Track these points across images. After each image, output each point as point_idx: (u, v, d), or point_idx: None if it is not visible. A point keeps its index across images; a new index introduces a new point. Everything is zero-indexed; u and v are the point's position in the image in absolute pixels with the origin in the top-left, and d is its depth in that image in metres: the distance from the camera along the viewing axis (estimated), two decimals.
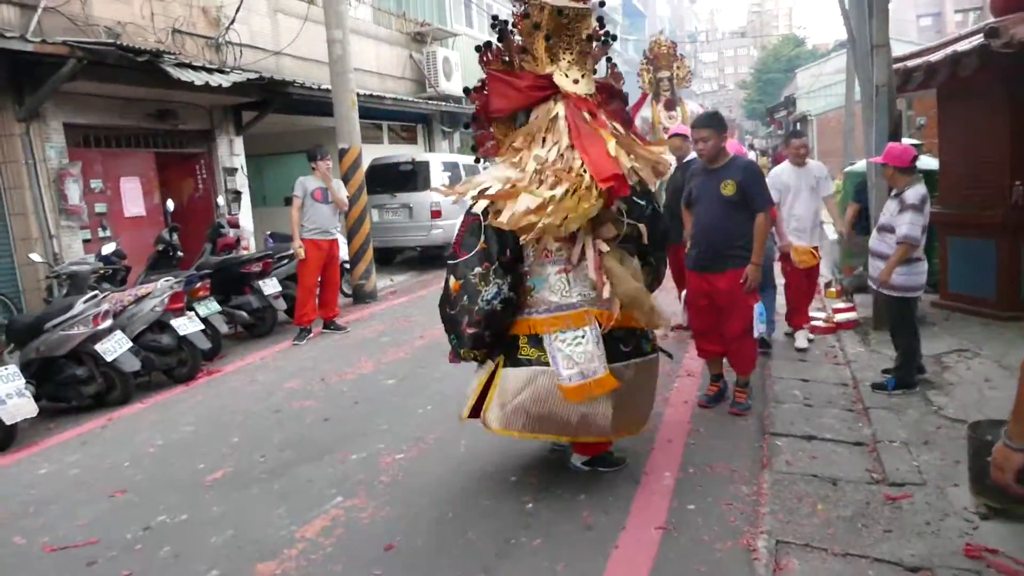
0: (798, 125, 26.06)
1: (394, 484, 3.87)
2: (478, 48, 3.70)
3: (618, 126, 3.65)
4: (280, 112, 10.11)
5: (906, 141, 6.76)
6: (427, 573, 2.99)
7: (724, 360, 4.76)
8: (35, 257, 6.60)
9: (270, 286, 7.62)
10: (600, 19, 3.64)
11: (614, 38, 3.76)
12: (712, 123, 4.49)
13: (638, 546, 3.06)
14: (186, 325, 6.20)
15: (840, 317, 6.58)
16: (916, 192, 4.48)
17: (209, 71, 7.92)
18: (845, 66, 16.78)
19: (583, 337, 3.40)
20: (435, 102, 14.60)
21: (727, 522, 3.22)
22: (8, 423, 4.78)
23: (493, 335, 3.53)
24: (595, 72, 3.73)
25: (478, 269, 3.48)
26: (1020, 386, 1.82)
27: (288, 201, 7.52)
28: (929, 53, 6.48)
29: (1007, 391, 4.47)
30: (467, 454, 4.20)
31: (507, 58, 3.67)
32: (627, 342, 3.55)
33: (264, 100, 9.71)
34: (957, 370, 4.98)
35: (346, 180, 8.86)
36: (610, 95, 3.77)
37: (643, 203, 3.69)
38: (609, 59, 3.81)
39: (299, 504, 3.69)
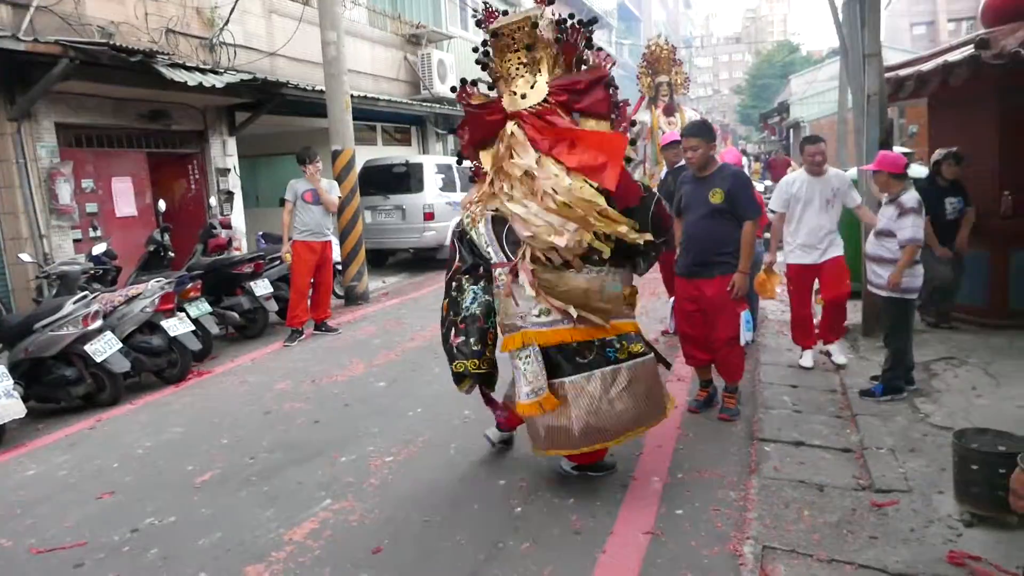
0: (791, 131, 26.09)
1: (383, 487, 3.88)
2: (475, 49, 3.82)
3: (593, 121, 3.60)
4: (274, 113, 10.08)
5: (897, 149, 6.81)
6: None
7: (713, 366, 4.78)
8: (25, 257, 6.56)
9: (262, 287, 7.60)
10: (565, 19, 3.58)
11: (583, 22, 3.59)
12: (701, 132, 4.56)
13: (626, 551, 3.08)
14: (176, 326, 6.18)
15: None
16: (912, 196, 4.57)
17: (203, 72, 7.89)
18: (838, 73, 16.86)
19: (528, 357, 3.48)
20: (429, 104, 14.59)
21: (714, 527, 3.24)
22: None
23: (479, 342, 3.67)
24: (585, 65, 3.65)
25: (454, 283, 3.85)
26: None
27: (283, 203, 7.52)
28: (921, 62, 6.52)
29: (994, 399, 4.53)
30: (457, 457, 4.22)
31: (491, 87, 3.84)
32: (584, 354, 3.50)
33: (258, 101, 9.69)
34: (945, 378, 5.02)
35: (340, 181, 8.84)
36: (577, 91, 3.58)
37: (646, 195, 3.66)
38: (590, 43, 3.66)
39: (288, 506, 3.70)
